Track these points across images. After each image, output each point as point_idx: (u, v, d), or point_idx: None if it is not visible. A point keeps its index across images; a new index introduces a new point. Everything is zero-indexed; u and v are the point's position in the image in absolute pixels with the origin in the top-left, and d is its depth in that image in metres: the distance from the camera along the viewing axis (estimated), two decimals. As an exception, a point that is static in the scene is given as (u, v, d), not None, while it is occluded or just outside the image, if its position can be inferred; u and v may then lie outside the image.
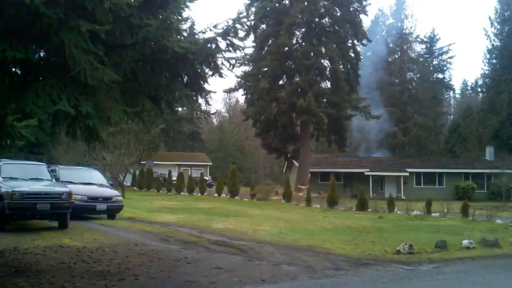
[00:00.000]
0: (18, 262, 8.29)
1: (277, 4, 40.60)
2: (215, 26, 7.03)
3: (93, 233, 12.56)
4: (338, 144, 42.66)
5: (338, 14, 40.83)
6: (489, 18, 62.06)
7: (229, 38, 7.08)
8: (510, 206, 29.66)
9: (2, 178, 13.02)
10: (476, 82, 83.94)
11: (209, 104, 68.02)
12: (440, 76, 71.54)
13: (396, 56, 68.52)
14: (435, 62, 71.53)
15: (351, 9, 41.71)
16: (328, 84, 42.18)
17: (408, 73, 68.38)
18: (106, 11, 5.83)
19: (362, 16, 42.44)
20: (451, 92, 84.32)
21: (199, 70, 7.47)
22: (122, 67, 6.68)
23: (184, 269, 8.26)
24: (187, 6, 7.23)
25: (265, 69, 40.95)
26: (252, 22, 40.42)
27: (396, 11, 71.03)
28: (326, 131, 42.64)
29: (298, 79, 39.65)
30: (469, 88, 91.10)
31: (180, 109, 60.48)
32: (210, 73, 7.57)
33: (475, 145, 59.09)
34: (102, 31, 5.81)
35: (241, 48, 7.29)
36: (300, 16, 39.39)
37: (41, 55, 6.68)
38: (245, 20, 7.07)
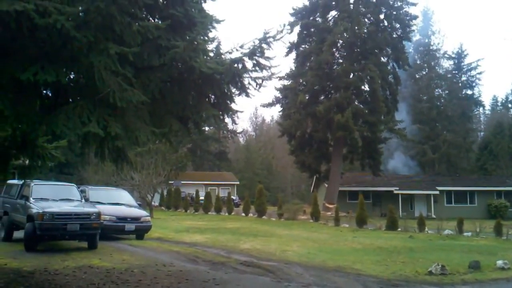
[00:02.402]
0: (48, 283, 8.34)
1: (321, 22, 41.34)
2: (241, 46, 7.06)
3: (122, 253, 12.60)
4: (372, 168, 42.14)
5: (381, 36, 40.81)
6: (519, 33, 61.14)
7: (256, 57, 7.10)
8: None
9: (33, 199, 13.21)
10: (507, 97, 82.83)
11: (235, 123, 67.30)
12: (469, 92, 70.42)
13: (424, 73, 67.85)
14: (463, 78, 70.53)
15: (394, 35, 41.92)
16: (365, 105, 42.10)
17: (436, 90, 67.59)
18: (134, 33, 5.91)
19: (405, 42, 42.70)
20: (481, 108, 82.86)
21: (226, 90, 7.49)
22: (150, 88, 6.75)
23: (212, 290, 8.20)
24: (214, 27, 7.30)
25: (304, 84, 41.32)
26: (295, 40, 42.31)
27: (423, 28, 70.45)
28: (360, 154, 42.49)
29: (337, 95, 39.62)
30: (499, 103, 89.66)
31: (207, 128, 61.01)
32: (237, 92, 7.59)
33: (507, 162, 57.79)
34: (131, 53, 5.89)
35: (267, 68, 7.28)
36: (344, 35, 39.64)
37: (71, 77, 6.78)
38: (271, 39, 7.07)
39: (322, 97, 41.99)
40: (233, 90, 7.57)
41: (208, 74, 6.70)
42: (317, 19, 42.14)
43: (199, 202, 39.19)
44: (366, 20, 40.96)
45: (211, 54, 7.25)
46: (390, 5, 41.66)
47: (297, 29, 42.08)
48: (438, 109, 62.93)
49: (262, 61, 7.16)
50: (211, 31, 7.32)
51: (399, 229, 24.04)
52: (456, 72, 69.90)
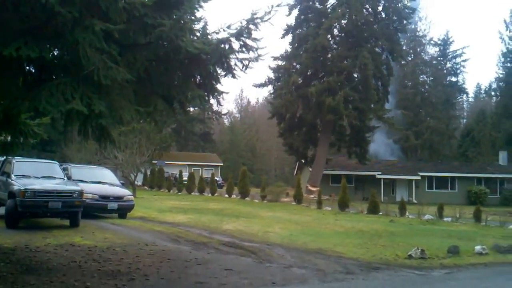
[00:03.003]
0: (29, 260, 8.32)
1: (319, 7, 41.49)
2: (228, 27, 7.01)
3: (104, 232, 12.59)
4: (358, 156, 42.38)
5: (377, 27, 41.30)
6: (504, 21, 61.65)
7: (243, 38, 7.05)
8: (523, 212, 29.32)
9: (14, 175, 13.11)
10: (490, 85, 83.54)
11: (221, 105, 68.26)
12: (454, 79, 70.90)
13: (410, 59, 68.07)
14: (448, 65, 70.94)
15: (391, 27, 42.07)
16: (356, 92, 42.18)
17: (421, 76, 67.89)
18: (120, 10, 5.83)
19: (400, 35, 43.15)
20: (465, 96, 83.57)
21: (212, 71, 7.45)
22: (135, 66, 6.68)
23: (194, 270, 8.24)
24: (201, 6, 7.22)
25: (298, 66, 41.60)
26: (293, 23, 42.68)
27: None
28: (348, 142, 42.75)
29: (329, 79, 39.49)
30: (482, 91, 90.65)
31: (192, 109, 60.86)
32: (223, 73, 7.54)
33: (488, 150, 58.56)
34: (116, 30, 5.82)
35: (254, 49, 7.24)
36: (341, 21, 40.23)
37: (55, 54, 6.69)
38: (258, 21, 7.03)
39: (315, 81, 41.99)
40: (219, 71, 7.52)
41: (195, 54, 6.65)
42: (316, 3, 42.26)
43: (182, 183, 39.20)
44: (364, 10, 41.04)
45: (198, 34, 7.17)
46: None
47: (294, 12, 42.34)
48: (423, 95, 63.28)
49: (249, 42, 7.11)
50: (198, 11, 7.24)
51: (381, 213, 24.31)
52: (441, 59, 70.26)
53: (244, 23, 6.95)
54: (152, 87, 7.50)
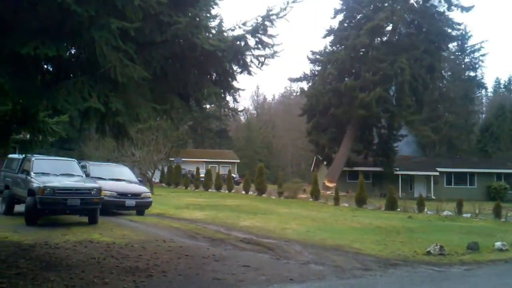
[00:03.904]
0: (49, 256, 8.41)
1: (365, 11, 42.48)
2: (244, 24, 6.99)
3: (122, 229, 12.69)
4: (385, 166, 42.28)
5: (419, 39, 41.65)
6: (524, 14, 60.58)
7: (258, 35, 7.03)
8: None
9: (34, 173, 13.26)
10: (510, 80, 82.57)
11: (237, 102, 68.37)
12: (472, 74, 70.08)
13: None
14: (467, 59, 70.10)
15: (434, 44, 42.58)
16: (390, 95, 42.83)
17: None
18: (136, 8, 5.85)
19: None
20: (483, 91, 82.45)
21: (227, 68, 7.46)
22: (151, 64, 6.71)
23: (212, 266, 8.26)
24: (216, 4, 7.22)
25: (336, 61, 42.30)
26: (336, 26, 44.54)
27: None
28: (375, 151, 42.95)
29: (366, 74, 39.91)
30: (502, 86, 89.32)
31: (208, 106, 61.01)
32: (239, 70, 7.54)
33: (508, 145, 57.85)
34: (132, 28, 5.83)
35: (270, 46, 7.22)
36: (383, 24, 40.83)
37: (72, 52, 6.74)
38: (274, 17, 7.00)
39: (350, 78, 42.52)
40: (235, 67, 7.53)
41: (210, 51, 6.65)
42: (363, 9, 43.15)
43: (199, 179, 39.36)
44: (409, 20, 42.06)
45: (213, 31, 7.17)
46: (435, 19, 42.63)
47: (339, 17, 44.34)
48: (441, 90, 62.66)
49: (265, 39, 7.09)
50: (213, 8, 7.24)
51: (399, 210, 24.16)
52: (460, 53, 69.45)
53: (260, 19, 6.93)
54: (168, 84, 7.52)
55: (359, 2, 42.90)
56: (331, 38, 44.81)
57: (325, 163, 43.85)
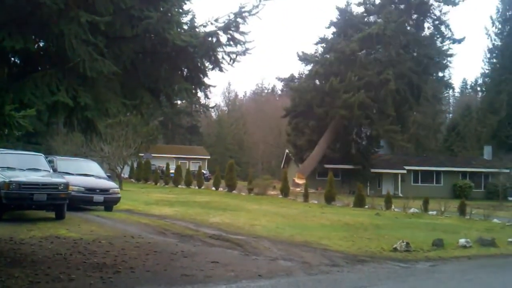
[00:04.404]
0: (13, 252, 8.27)
1: (360, 24, 44.13)
2: (216, 20, 6.98)
3: (90, 224, 12.53)
4: (362, 174, 42.84)
5: (407, 58, 42.81)
6: (491, 17, 62.39)
7: (230, 32, 7.04)
8: (507, 206, 29.74)
9: (-1, 167, 12.98)
10: (476, 81, 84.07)
11: (208, 98, 67.98)
12: (440, 74, 71.25)
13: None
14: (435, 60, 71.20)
15: (420, 68, 43.51)
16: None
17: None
18: (106, 2, 5.80)
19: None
20: (451, 91, 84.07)
21: (199, 64, 7.44)
22: (121, 59, 6.65)
23: (181, 262, 8.24)
24: None
25: (324, 63, 43.29)
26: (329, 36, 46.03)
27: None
28: (352, 159, 43.55)
29: (351, 75, 40.67)
30: (468, 87, 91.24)
31: (179, 102, 60.58)
32: (210, 67, 7.53)
33: (474, 144, 59.19)
34: (102, 22, 5.78)
35: (242, 43, 7.23)
36: (374, 36, 41.31)
37: (41, 45, 6.64)
38: (246, 14, 7.02)
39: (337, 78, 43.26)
40: (207, 64, 7.51)
41: (182, 47, 6.64)
42: (357, 22, 44.88)
43: (169, 175, 39.13)
44: (400, 37, 42.71)
45: (185, 27, 7.15)
46: (424, 46, 44.31)
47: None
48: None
49: (237, 35, 7.10)
50: (185, 3, 7.23)
51: (367, 207, 24.51)
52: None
53: (232, 16, 6.94)
54: (139, 79, 7.46)
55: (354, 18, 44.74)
56: (325, 38, 46.23)
57: (297, 161, 44.18)
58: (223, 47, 7.17)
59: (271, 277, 7.57)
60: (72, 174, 16.07)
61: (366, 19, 45.81)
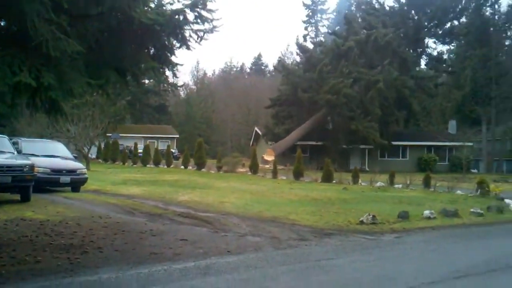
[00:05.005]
0: (-21, 235, 8.18)
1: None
2: (183, -3, 6.94)
3: (57, 206, 12.41)
4: (330, 151, 43.24)
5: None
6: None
7: (198, 9, 7.00)
8: (470, 178, 30.52)
9: (-38, 150, 12.70)
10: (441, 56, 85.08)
11: (176, 77, 67.12)
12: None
13: (364, 31, 68.51)
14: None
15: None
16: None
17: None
18: (69, -21, 5.69)
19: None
20: (418, 67, 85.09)
21: (166, 42, 7.39)
22: (86, 38, 6.56)
23: (149, 241, 8.28)
24: (155, -24, 7.12)
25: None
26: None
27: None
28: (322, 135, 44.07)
29: (343, 70, 42.35)
30: (434, 62, 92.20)
31: (147, 81, 59.91)
32: (178, 45, 7.49)
33: (439, 119, 60.34)
34: (65, 0, 5.67)
35: (209, 20, 7.21)
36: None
37: (1, 24, 6.48)
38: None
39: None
40: (174, 42, 7.46)
41: (148, 25, 6.58)
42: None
43: (137, 155, 38.86)
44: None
45: (152, 5, 7.08)
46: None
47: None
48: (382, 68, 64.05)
49: (204, 13, 7.07)
50: (152, -20, 7.14)
51: (334, 182, 24.85)
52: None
53: (199, -7, 6.90)
54: (104, 59, 7.37)
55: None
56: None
57: (267, 140, 44.44)
58: (190, 25, 7.13)
59: (240, 253, 7.69)
60: (38, 156, 15.81)
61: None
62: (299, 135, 41.94)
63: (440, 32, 55.59)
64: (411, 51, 49.35)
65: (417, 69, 47.89)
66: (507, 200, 16.47)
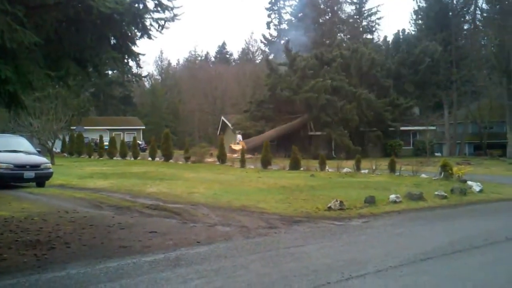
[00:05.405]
0: None
1: None
2: (143, -15, 6.81)
3: (21, 202, 12.16)
4: (298, 138, 43.55)
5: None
6: (416, -21, 63.53)
7: (158, -2, 6.90)
8: (434, 161, 31.09)
9: None
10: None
11: (140, 67, 66.63)
12: (370, 36, 72.94)
13: (327, 17, 69.13)
14: (364, 23, 72.85)
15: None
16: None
17: (338, 34, 69.25)
18: (23, -32, 5.52)
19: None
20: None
21: (126, 32, 7.26)
22: (44, 28, 6.38)
23: (118, 234, 8.18)
24: (113, -36, 6.95)
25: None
26: None
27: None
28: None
29: (326, 75, 43.26)
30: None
31: (110, 72, 59.08)
32: (138, 34, 7.36)
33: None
34: (20, -10, 5.50)
35: (170, 9, 7.10)
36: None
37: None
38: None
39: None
40: (135, 31, 7.33)
41: (107, 14, 6.43)
42: None
43: (103, 148, 38.31)
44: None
45: (111, -7, 6.93)
46: None
47: None
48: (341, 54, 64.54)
49: (164, 1, 6.99)
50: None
51: (302, 169, 25.00)
52: (358, 17, 71.89)
53: (159, -19, 6.79)
54: (64, 50, 7.19)
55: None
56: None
57: (237, 134, 44.36)
58: (151, 13, 7.04)
59: (210, 243, 7.66)
60: (0, 151, 15.48)
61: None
62: (273, 136, 42.01)
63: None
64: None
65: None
66: (469, 182, 16.86)
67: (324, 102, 41.12)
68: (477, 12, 62.09)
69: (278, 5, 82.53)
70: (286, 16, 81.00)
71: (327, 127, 42.07)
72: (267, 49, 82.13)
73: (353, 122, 42.16)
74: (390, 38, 64.63)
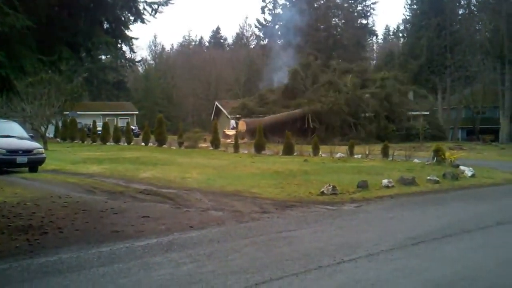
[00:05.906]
0: None
1: None
2: (135, -31, 6.77)
3: (14, 187, 12.15)
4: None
5: None
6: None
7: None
8: (427, 146, 31.22)
9: None
10: (398, 27, 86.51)
11: (133, 52, 66.34)
12: (364, 21, 72.75)
13: (322, 2, 68.75)
14: (359, 7, 72.48)
15: None
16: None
17: (333, 19, 69.00)
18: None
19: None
20: (374, 38, 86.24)
21: (119, 15, 7.23)
22: (36, 12, 6.34)
23: (111, 219, 8.20)
24: None
25: None
26: None
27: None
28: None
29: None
30: (391, 33, 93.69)
31: (103, 57, 58.73)
32: (132, 18, 7.33)
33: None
34: (11, -27, 5.46)
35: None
36: None
37: None
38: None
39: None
40: (128, 15, 7.30)
41: (99, -3, 6.41)
42: None
43: (96, 133, 38.21)
44: None
45: (103, -23, 6.89)
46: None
47: None
48: (335, 38, 64.57)
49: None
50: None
51: (295, 154, 25.04)
52: (352, 1, 71.56)
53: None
54: (56, 34, 7.15)
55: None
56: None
57: (224, 112, 44.31)
58: (144, -3, 6.99)
59: (203, 228, 7.69)
60: (-8, 136, 15.45)
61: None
62: (272, 121, 42.03)
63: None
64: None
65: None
66: (462, 167, 16.94)
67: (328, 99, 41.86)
68: (472, -3, 62.00)
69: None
70: (281, 1, 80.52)
71: (324, 115, 42.22)
72: (261, 34, 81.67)
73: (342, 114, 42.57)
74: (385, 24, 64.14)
